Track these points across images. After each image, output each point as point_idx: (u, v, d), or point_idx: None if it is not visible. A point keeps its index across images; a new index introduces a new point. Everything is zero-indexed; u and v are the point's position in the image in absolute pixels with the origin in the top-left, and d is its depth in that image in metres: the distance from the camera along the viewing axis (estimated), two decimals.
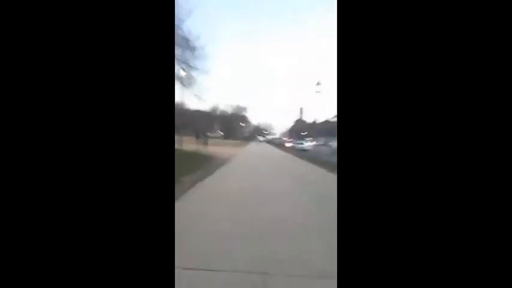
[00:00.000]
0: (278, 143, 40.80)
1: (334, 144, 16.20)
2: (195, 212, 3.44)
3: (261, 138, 61.73)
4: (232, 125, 50.22)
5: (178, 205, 3.37)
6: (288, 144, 31.83)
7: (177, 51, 12.30)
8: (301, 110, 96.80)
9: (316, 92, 17.39)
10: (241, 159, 12.17)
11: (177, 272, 1.11)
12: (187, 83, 14.70)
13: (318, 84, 17.61)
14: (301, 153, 18.69)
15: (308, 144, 24.25)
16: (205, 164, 8.69)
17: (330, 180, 6.82)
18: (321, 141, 23.61)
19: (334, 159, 10.16)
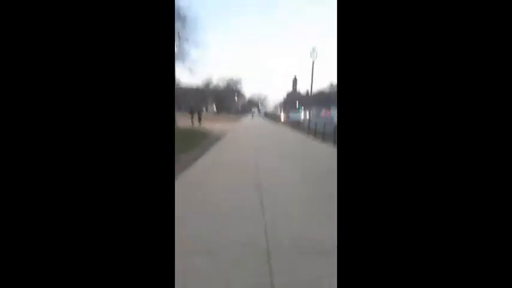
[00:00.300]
0: (272, 116, 40.68)
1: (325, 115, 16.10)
2: (194, 192, 3.43)
3: (255, 111, 61.34)
4: (225, 100, 49.56)
5: (176, 184, 3.40)
6: (282, 117, 31.93)
7: None
8: (294, 80, 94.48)
9: (311, 58, 16.73)
10: (236, 135, 12.27)
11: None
12: (179, 56, 13.87)
13: (313, 50, 16.96)
14: (295, 124, 18.89)
15: (301, 115, 24.40)
16: (201, 141, 8.86)
17: (319, 150, 7.20)
18: (313, 113, 23.00)
19: (327, 129, 10.42)
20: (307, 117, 21.35)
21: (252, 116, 46.26)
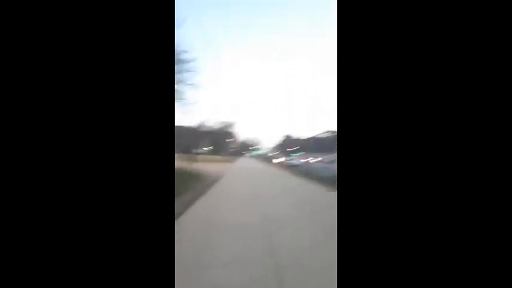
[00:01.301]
0: (266, 159, 40.56)
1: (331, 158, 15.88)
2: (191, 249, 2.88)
3: (248, 154, 61.37)
4: (219, 141, 49.69)
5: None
6: (276, 160, 31.50)
7: None
8: (290, 125, 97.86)
9: (309, 101, 17.37)
10: (231, 178, 11.65)
11: None
12: (176, 97, 14.12)
13: (307, 95, 17.62)
14: (293, 169, 18.41)
15: (299, 160, 24.04)
16: (196, 184, 8.16)
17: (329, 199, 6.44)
18: (319, 156, 22.62)
19: (324, 173, 9.80)
20: (302, 161, 20.94)
21: (245, 159, 46.13)
